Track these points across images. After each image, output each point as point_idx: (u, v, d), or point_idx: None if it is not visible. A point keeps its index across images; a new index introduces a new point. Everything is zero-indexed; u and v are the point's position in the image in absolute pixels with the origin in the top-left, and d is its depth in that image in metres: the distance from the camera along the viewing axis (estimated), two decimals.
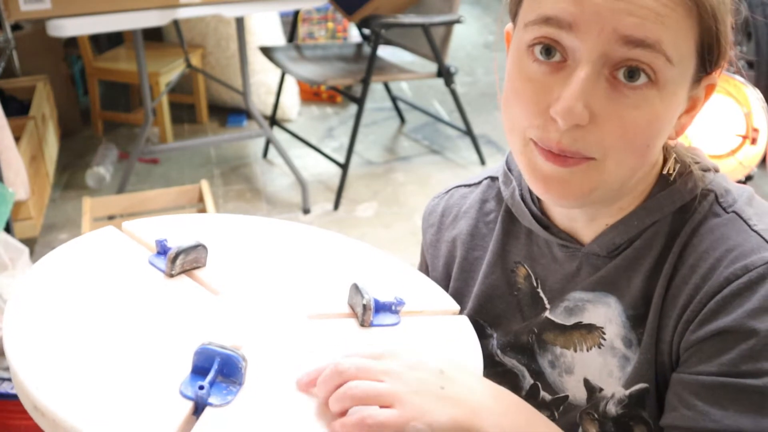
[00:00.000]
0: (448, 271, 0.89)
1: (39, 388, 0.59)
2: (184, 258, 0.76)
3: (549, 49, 0.65)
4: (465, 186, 0.90)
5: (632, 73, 0.63)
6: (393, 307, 0.76)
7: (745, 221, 0.70)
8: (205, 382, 0.60)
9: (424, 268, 0.94)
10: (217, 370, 0.61)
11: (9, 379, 1.76)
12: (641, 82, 0.63)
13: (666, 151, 0.74)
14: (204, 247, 0.79)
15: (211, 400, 0.59)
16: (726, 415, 0.64)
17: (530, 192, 0.80)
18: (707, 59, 0.67)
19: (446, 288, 0.89)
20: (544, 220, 0.79)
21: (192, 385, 0.60)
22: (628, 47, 0.62)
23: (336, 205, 3.00)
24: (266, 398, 0.62)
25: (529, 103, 0.66)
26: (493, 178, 0.87)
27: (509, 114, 0.69)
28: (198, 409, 0.59)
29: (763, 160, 1.77)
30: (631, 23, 0.61)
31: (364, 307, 0.74)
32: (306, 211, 2.96)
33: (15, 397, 1.72)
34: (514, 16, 0.71)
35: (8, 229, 2.28)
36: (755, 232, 0.68)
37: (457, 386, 0.61)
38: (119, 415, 0.57)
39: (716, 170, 0.75)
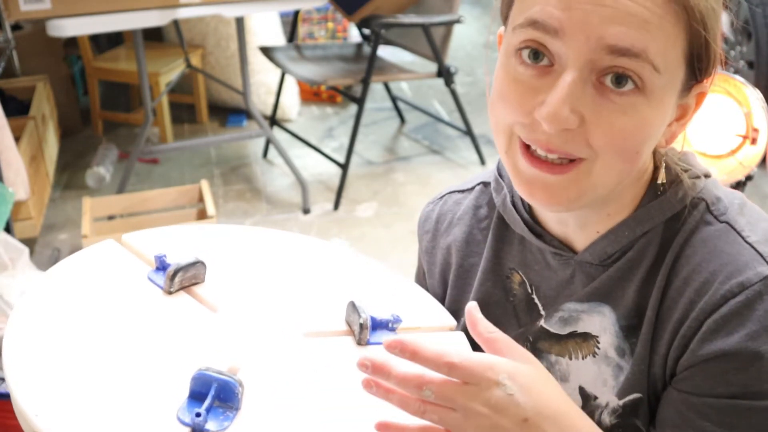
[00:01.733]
0: (445, 279, 0.88)
1: (38, 415, 0.59)
2: (183, 275, 0.76)
3: (536, 53, 0.65)
4: (458, 192, 0.90)
5: (619, 80, 0.63)
6: (390, 325, 0.76)
7: (738, 232, 0.69)
8: (202, 409, 0.60)
9: (422, 274, 0.93)
10: (214, 396, 0.61)
11: None
12: (628, 89, 0.63)
13: (656, 158, 0.74)
14: (203, 263, 0.78)
15: (207, 426, 0.60)
16: None
17: (522, 199, 0.80)
18: (697, 67, 0.66)
19: (444, 295, 0.88)
20: (536, 228, 0.78)
21: (189, 412, 0.60)
22: (613, 56, 0.61)
23: (336, 205, 3.00)
24: (262, 423, 0.62)
25: (514, 104, 0.66)
26: (486, 183, 0.87)
27: (495, 114, 0.69)
28: None
29: (763, 160, 1.76)
30: (616, 32, 0.61)
31: (361, 326, 0.74)
32: (306, 211, 2.96)
33: None
34: (505, 19, 0.71)
35: (8, 229, 2.28)
36: (749, 244, 0.68)
37: None
38: None
39: (707, 176, 0.74)
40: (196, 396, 0.62)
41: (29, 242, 2.50)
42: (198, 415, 0.59)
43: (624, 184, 0.70)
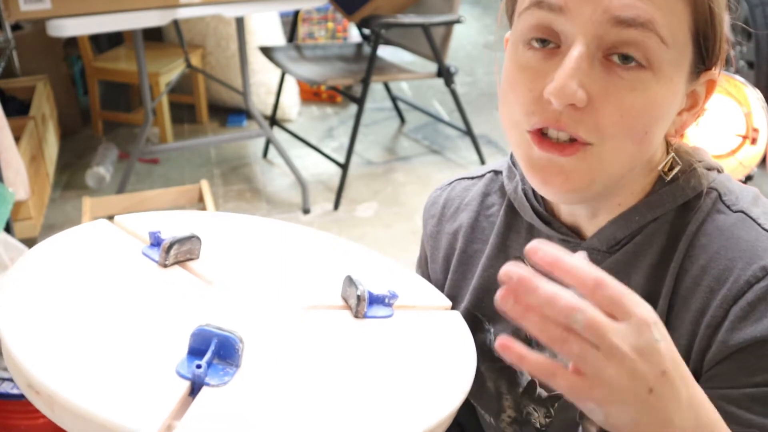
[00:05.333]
0: (448, 264, 0.89)
1: (34, 365, 0.58)
2: (179, 248, 0.77)
3: (543, 40, 0.65)
4: (468, 179, 0.90)
5: (625, 58, 0.63)
6: (386, 300, 0.77)
7: (754, 220, 0.69)
8: (203, 362, 0.60)
9: (424, 260, 0.94)
10: (215, 351, 0.61)
11: (9, 379, 1.76)
12: (634, 65, 0.63)
13: (668, 149, 0.74)
14: (198, 238, 0.79)
15: (207, 380, 0.60)
16: None
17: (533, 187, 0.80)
18: (705, 49, 0.67)
19: (445, 280, 0.89)
20: (546, 215, 0.78)
21: (189, 366, 0.60)
22: (620, 27, 0.62)
23: (336, 205, 3.00)
24: (262, 381, 0.62)
25: (524, 90, 0.66)
26: (497, 172, 0.87)
27: (506, 108, 0.69)
28: (194, 389, 0.60)
29: (763, 160, 1.76)
30: (621, 3, 0.61)
31: (358, 297, 0.74)
32: (306, 211, 2.96)
33: (15, 397, 1.71)
34: (510, 16, 0.72)
35: (8, 229, 2.28)
36: (766, 230, 0.68)
37: (666, 396, 0.53)
38: (115, 393, 0.57)
39: (720, 170, 0.75)
40: (196, 352, 0.61)
41: (29, 242, 2.50)
42: (198, 367, 0.59)
43: (635, 172, 0.70)
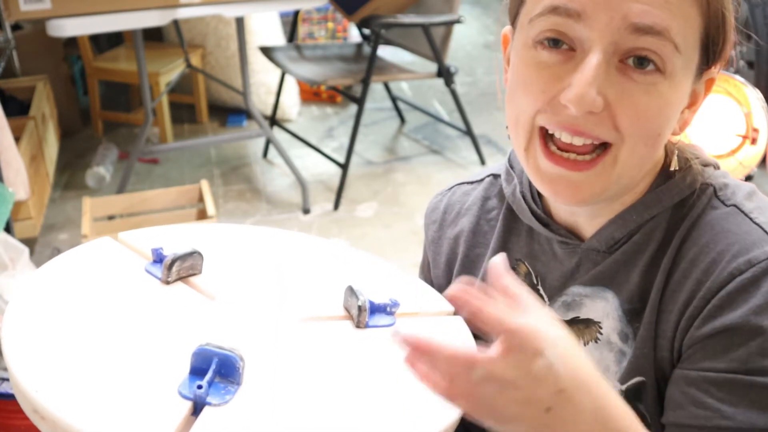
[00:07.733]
0: (450, 269, 0.89)
1: (38, 390, 0.59)
2: (180, 265, 0.77)
3: (556, 40, 0.65)
4: (467, 183, 0.90)
5: (641, 61, 0.64)
6: (388, 309, 0.77)
7: (746, 214, 0.69)
8: (204, 382, 0.60)
9: (426, 265, 0.94)
10: (216, 371, 0.62)
11: (9, 379, 1.76)
12: (650, 69, 0.64)
13: (668, 147, 0.74)
14: (200, 254, 0.79)
15: (209, 399, 0.60)
16: (738, 411, 0.63)
17: (531, 189, 0.80)
18: (711, 50, 0.68)
19: (448, 285, 0.88)
20: (544, 218, 0.79)
21: (190, 386, 0.61)
22: (637, 35, 0.62)
23: (336, 205, 3.00)
24: (264, 398, 0.62)
25: (537, 91, 0.66)
26: (496, 176, 0.87)
27: (514, 106, 0.69)
28: (197, 409, 0.60)
29: (763, 160, 1.77)
30: (639, 10, 0.62)
31: (359, 308, 0.74)
32: (306, 211, 2.96)
33: (15, 397, 1.71)
34: (514, 17, 0.71)
35: (8, 229, 2.28)
36: (757, 224, 0.68)
37: (566, 411, 0.55)
38: (119, 416, 0.58)
39: (717, 166, 0.75)
40: (198, 372, 0.62)
41: (29, 242, 2.50)
42: (200, 387, 0.60)
43: (643, 173, 0.71)
